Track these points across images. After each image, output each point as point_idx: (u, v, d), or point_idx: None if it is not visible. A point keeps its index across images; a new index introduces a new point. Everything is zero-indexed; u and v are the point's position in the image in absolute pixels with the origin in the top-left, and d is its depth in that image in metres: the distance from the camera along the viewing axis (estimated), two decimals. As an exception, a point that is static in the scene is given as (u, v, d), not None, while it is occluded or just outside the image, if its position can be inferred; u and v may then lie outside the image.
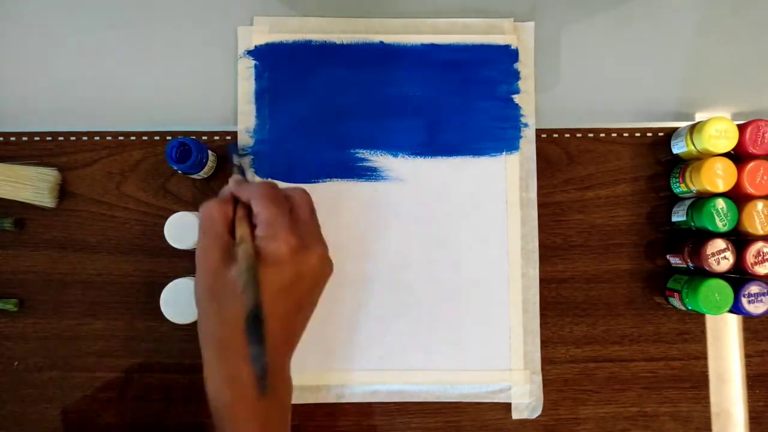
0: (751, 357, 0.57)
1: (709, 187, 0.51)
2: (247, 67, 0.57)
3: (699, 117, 0.58)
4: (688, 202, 0.54)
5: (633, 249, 0.57)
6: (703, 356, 0.57)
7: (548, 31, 0.59)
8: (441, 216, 0.57)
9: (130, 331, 0.56)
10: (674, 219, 0.56)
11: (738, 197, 0.51)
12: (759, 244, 0.51)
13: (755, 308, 0.51)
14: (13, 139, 0.56)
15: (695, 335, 0.57)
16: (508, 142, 0.57)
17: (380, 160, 0.57)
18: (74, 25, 0.58)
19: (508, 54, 0.58)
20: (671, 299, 0.55)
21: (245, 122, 0.57)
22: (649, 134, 0.58)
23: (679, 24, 0.59)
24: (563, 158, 0.58)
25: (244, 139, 0.57)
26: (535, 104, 0.58)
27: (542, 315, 0.56)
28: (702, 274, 0.52)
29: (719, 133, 0.51)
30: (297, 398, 0.55)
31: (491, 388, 0.56)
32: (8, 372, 0.55)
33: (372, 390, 0.56)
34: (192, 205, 0.56)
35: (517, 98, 0.57)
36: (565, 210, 0.57)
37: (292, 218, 0.41)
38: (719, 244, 0.51)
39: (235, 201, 0.44)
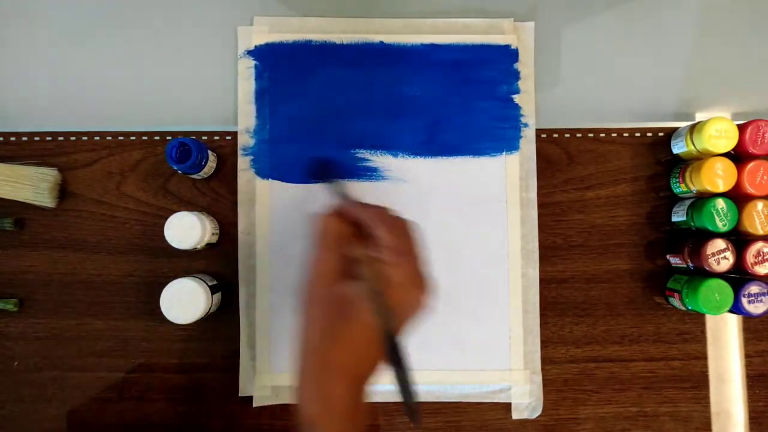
0: (751, 357, 0.57)
1: (709, 187, 0.51)
2: (247, 67, 0.57)
3: (699, 117, 0.58)
4: (688, 202, 0.54)
5: (633, 249, 0.57)
6: (703, 356, 0.57)
7: (548, 31, 0.59)
8: (441, 216, 0.57)
9: (130, 331, 0.56)
10: (674, 219, 0.56)
11: (738, 197, 0.51)
12: (759, 244, 0.51)
13: (755, 308, 0.51)
14: (13, 139, 0.56)
15: (695, 335, 0.57)
16: (508, 142, 0.57)
17: (380, 159, 0.57)
18: (74, 25, 0.58)
19: (508, 54, 0.58)
20: (671, 299, 0.55)
21: (245, 122, 0.57)
22: (649, 134, 0.58)
23: (679, 24, 0.59)
24: (563, 158, 0.58)
25: (244, 139, 0.57)
26: (535, 104, 0.58)
27: (542, 315, 0.56)
28: (702, 274, 0.52)
29: (719, 133, 0.51)
30: (297, 398, 0.55)
31: (491, 388, 0.56)
32: (8, 372, 0.55)
33: (372, 390, 0.56)
34: (192, 205, 0.56)
35: (517, 98, 0.57)
36: (565, 210, 0.57)
37: (411, 249, 0.41)
38: (719, 244, 0.51)
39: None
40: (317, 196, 0.46)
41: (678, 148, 0.55)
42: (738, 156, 0.52)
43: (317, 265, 0.41)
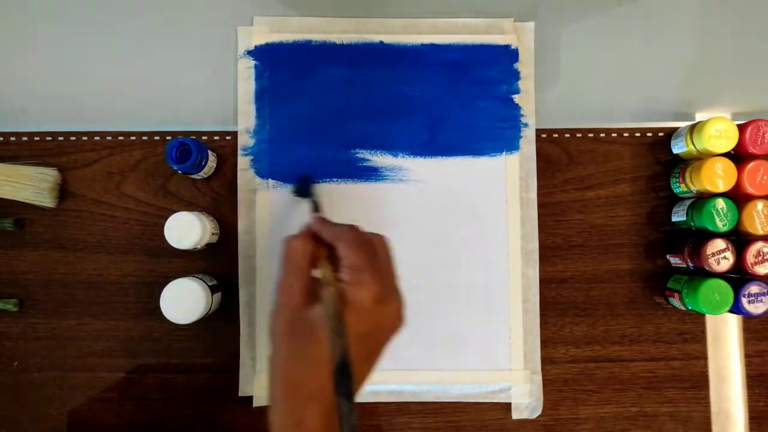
0: (751, 357, 0.57)
1: (709, 187, 0.51)
2: (247, 67, 0.57)
3: (699, 117, 0.58)
4: (688, 202, 0.54)
5: (633, 249, 0.57)
6: (703, 356, 0.57)
7: (548, 31, 0.59)
8: (441, 216, 0.57)
9: (130, 331, 0.56)
10: (674, 219, 0.56)
11: (738, 197, 0.51)
12: (759, 244, 0.51)
13: (755, 308, 0.51)
14: (13, 139, 0.56)
15: (695, 335, 0.57)
16: (508, 142, 0.57)
17: (380, 160, 0.57)
18: (74, 25, 0.58)
19: (508, 54, 0.58)
20: (671, 299, 0.55)
21: (245, 122, 0.57)
22: (649, 134, 0.58)
23: (679, 24, 0.59)
24: (563, 158, 0.58)
25: (244, 139, 0.57)
26: (535, 104, 0.58)
27: (542, 315, 0.56)
28: (702, 274, 0.52)
29: (719, 133, 0.51)
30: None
31: (491, 388, 0.56)
32: (8, 372, 0.55)
33: (372, 390, 0.56)
34: (192, 205, 0.56)
35: (517, 98, 0.57)
36: (565, 210, 0.57)
37: (376, 266, 0.40)
38: (719, 244, 0.51)
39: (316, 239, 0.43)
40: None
41: (678, 148, 0.55)
42: (738, 156, 0.52)
43: (283, 290, 0.40)
